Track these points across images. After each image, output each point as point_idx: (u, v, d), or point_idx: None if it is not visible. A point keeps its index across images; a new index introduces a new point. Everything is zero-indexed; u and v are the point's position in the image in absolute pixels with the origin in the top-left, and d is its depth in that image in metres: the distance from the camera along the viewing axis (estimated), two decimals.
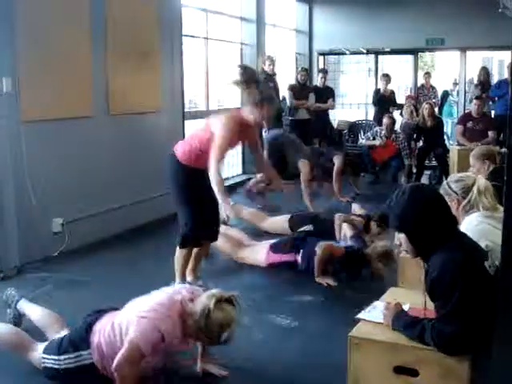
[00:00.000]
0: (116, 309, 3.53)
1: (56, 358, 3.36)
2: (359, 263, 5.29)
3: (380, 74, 13.07)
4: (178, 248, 4.89)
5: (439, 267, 2.68)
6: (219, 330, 3.15)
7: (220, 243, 5.59)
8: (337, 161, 8.61)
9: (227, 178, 10.12)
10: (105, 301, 4.53)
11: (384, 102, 11.47)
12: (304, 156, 8.22)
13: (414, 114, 10.85)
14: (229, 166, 10.44)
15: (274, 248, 5.65)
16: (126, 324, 3.24)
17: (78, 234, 6.19)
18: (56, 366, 3.36)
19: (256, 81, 4.86)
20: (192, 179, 4.74)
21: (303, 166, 8.11)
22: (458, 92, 14.37)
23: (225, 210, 4.47)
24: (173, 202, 4.93)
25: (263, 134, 8.48)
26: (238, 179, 10.12)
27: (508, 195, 1.92)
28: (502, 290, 2.03)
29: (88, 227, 6.35)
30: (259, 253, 5.70)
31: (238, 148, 10.52)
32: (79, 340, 3.38)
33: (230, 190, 9.40)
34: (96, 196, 6.51)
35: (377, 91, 11.91)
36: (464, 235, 2.93)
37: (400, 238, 2.87)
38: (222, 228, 5.31)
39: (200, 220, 4.75)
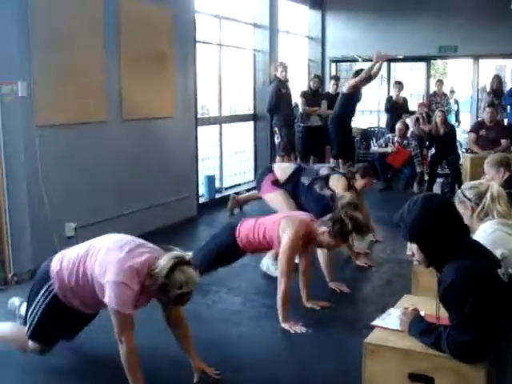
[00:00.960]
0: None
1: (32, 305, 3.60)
2: None
3: (392, 81, 13.06)
4: None
5: (452, 276, 2.67)
6: (178, 291, 3.21)
7: None
8: None
9: (239, 185, 10.15)
10: None
11: (396, 109, 11.46)
12: None
13: (421, 121, 10.84)
14: (241, 172, 10.46)
15: None
16: (92, 266, 3.41)
17: (91, 239, 6.19)
18: (34, 317, 3.57)
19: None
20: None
21: None
22: (455, 100, 14.39)
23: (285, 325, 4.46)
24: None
25: None
26: (250, 185, 10.11)
27: None
28: None
29: (101, 232, 6.28)
30: None
31: (250, 154, 10.58)
32: (42, 274, 3.64)
33: None
34: (109, 201, 6.53)
35: (389, 98, 11.90)
36: (476, 243, 2.91)
37: (412, 248, 2.85)
38: None
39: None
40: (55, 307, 3.54)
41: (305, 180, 6.06)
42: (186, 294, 3.25)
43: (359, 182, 6.34)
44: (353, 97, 9.79)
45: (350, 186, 6.18)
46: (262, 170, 6.76)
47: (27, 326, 3.63)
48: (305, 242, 4.61)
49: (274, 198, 6.17)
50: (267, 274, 5.63)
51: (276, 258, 5.58)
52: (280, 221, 4.64)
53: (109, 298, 3.26)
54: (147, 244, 3.55)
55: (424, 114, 11.19)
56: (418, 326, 2.88)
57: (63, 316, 3.58)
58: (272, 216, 4.93)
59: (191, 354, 3.65)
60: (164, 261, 3.25)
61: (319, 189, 5.93)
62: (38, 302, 3.57)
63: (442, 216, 2.78)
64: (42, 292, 3.56)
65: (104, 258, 3.38)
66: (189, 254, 3.41)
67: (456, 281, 2.65)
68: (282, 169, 6.37)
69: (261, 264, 5.79)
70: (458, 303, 2.66)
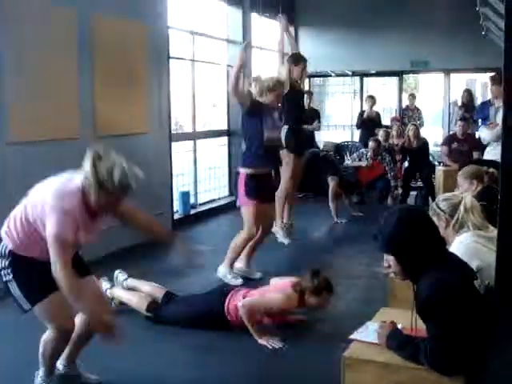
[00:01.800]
0: None
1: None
2: None
3: (365, 95, 13.17)
4: None
5: (428, 288, 2.68)
6: (109, 175, 3.29)
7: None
8: (331, 182, 8.83)
9: (213, 200, 10.12)
10: None
11: (369, 123, 11.53)
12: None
13: (394, 135, 10.95)
14: (215, 188, 10.43)
15: None
16: (32, 210, 3.34)
17: None
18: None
19: None
20: None
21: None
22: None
23: None
24: None
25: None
26: (225, 201, 10.09)
27: (502, 212, 1.92)
28: (497, 306, 2.03)
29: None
30: None
31: (225, 169, 10.56)
32: None
33: (217, 213, 9.42)
34: None
35: (361, 113, 11.97)
36: (453, 256, 2.93)
37: (389, 260, 2.86)
38: None
39: None
40: (20, 264, 3.42)
41: None
42: (123, 180, 3.35)
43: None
44: None
45: None
46: None
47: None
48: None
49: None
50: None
51: (232, 265, 5.75)
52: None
53: (49, 224, 3.19)
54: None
55: (399, 128, 11.30)
56: (396, 339, 2.88)
57: (34, 268, 3.43)
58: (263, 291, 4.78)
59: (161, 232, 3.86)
60: (85, 162, 3.33)
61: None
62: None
63: (419, 227, 2.79)
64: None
65: (39, 196, 3.38)
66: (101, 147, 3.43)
67: (432, 294, 2.66)
68: None
69: (217, 271, 5.84)
70: (435, 316, 2.67)
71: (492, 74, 7.52)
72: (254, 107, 5.84)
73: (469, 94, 11.76)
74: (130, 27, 7.18)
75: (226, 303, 4.63)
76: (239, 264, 6.03)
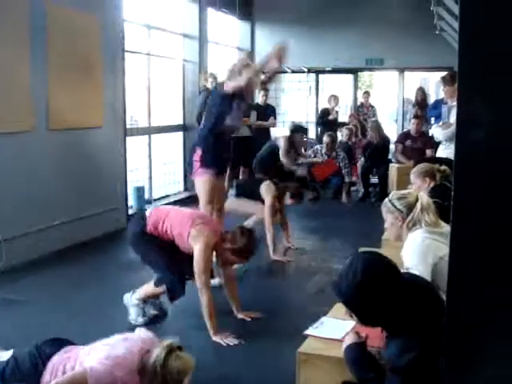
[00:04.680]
0: (72, 343, 3.29)
1: None
2: None
3: (321, 92, 13.26)
4: None
5: (395, 357, 2.54)
6: (177, 379, 3.01)
7: None
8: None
9: (168, 196, 10.06)
10: (43, 322, 4.45)
11: (331, 122, 11.61)
12: None
13: (355, 132, 11.06)
14: (170, 183, 10.38)
15: None
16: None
17: (16, 252, 6.04)
18: None
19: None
20: None
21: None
22: None
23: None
24: None
25: None
26: (179, 196, 10.05)
27: (455, 209, 1.95)
28: (449, 308, 2.06)
29: (27, 245, 6.20)
30: None
31: (180, 164, 10.52)
32: (27, 374, 3.09)
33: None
34: (35, 212, 6.36)
35: (323, 112, 11.95)
36: (412, 288, 2.69)
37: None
38: None
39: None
40: None
41: None
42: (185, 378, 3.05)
43: None
44: None
45: None
46: None
47: None
48: (215, 250, 4.63)
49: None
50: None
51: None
52: (190, 229, 4.55)
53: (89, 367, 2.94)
54: (131, 336, 3.27)
55: (358, 125, 11.43)
56: (354, 354, 2.75)
57: None
58: (183, 218, 4.69)
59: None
60: (155, 354, 3.02)
61: None
62: None
63: (384, 292, 2.55)
64: None
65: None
66: (177, 340, 3.13)
67: (399, 365, 2.51)
68: None
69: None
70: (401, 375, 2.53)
71: (444, 73, 7.61)
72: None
73: (422, 93, 11.92)
74: (84, 19, 7.08)
75: (147, 222, 4.68)
76: None
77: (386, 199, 3.65)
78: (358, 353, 2.75)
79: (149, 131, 9.57)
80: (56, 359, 3.12)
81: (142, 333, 3.33)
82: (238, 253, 4.58)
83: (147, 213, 4.79)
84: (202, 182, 5.74)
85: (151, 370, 2.99)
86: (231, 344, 4.33)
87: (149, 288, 4.78)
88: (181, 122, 10.63)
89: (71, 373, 2.97)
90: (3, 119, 5.93)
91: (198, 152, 5.71)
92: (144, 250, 4.78)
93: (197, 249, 4.47)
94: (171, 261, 4.68)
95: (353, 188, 10.89)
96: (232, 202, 6.81)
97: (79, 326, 4.47)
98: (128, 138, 8.37)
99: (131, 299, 4.79)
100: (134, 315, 4.77)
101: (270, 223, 6.57)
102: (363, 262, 2.58)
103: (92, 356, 3.04)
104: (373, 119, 11.45)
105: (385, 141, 10.72)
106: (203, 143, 5.74)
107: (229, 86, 5.65)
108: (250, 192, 6.87)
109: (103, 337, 3.21)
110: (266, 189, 6.72)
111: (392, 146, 10.96)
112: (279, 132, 12.87)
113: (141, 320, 4.72)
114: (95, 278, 5.76)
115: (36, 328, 4.36)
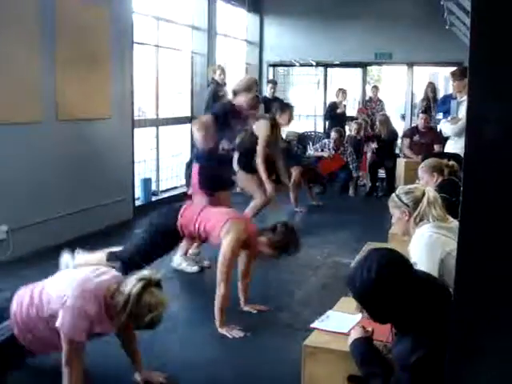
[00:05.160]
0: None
1: None
2: None
3: (329, 86, 13.22)
4: None
5: (405, 355, 2.51)
6: (147, 314, 3.09)
7: None
8: (294, 172, 8.88)
9: (175, 188, 10.07)
10: None
11: (339, 116, 11.58)
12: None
13: (364, 127, 11.02)
14: (177, 175, 10.38)
15: None
16: (48, 300, 3.21)
17: (25, 242, 6.06)
18: None
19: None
20: None
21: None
22: None
23: None
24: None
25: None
26: (186, 189, 10.03)
27: (464, 204, 1.94)
28: (456, 304, 2.05)
29: (35, 235, 6.22)
30: None
31: (187, 156, 10.51)
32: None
33: (178, 200, 9.36)
34: (43, 203, 6.39)
35: (331, 106, 11.91)
36: (425, 285, 2.66)
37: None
38: None
39: None
40: (9, 346, 3.30)
41: None
42: (157, 317, 3.12)
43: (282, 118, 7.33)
44: None
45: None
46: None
47: None
48: (244, 246, 4.60)
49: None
50: (183, 271, 5.83)
51: (186, 253, 5.79)
52: (224, 223, 4.56)
53: (61, 323, 3.10)
54: (102, 268, 3.40)
55: (368, 120, 11.41)
56: (360, 349, 2.75)
57: (15, 354, 3.37)
58: (217, 214, 4.76)
59: (137, 362, 3.60)
60: (131, 283, 3.11)
61: None
62: None
63: (398, 290, 2.54)
64: None
65: (59, 289, 3.21)
66: (158, 275, 3.23)
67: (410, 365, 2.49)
68: None
69: (171, 262, 5.83)
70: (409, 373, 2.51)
71: (453, 68, 7.58)
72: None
73: (432, 88, 11.87)
74: (94, 11, 7.08)
75: (179, 219, 4.72)
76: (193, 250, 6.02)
77: (393, 194, 3.65)
78: (364, 347, 2.75)
79: (156, 123, 9.57)
80: (21, 290, 3.36)
81: (113, 271, 3.43)
82: (273, 246, 4.55)
83: (182, 210, 4.78)
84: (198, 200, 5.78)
85: (123, 300, 3.09)
86: (237, 336, 4.34)
87: (95, 257, 4.81)
88: (189, 114, 10.62)
89: (64, 348, 3.14)
90: (12, 110, 5.94)
91: (195, 169, 5.83)
92: (149, 237, 4.80)
93: (225, 242, 4.47)
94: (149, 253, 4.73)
95: (360, 182, 10.89)
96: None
97: None
98: (136, 130, 8.38)
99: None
100: None
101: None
102: (378, 259, 2.58)
103: (59, 289, 3.19)
104: (381, 113, 11.42)
105: (393, 135, 10.71)
106: (200, 160, 5.82)
107: (239, 101, 5.70)
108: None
109: None
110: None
111: (399, 141, 10.96)
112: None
113: None
114: None
115: None
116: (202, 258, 6.03)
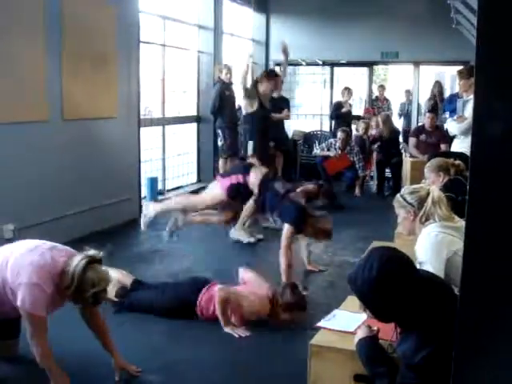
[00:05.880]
0: None
1: None
2: None
3: (335, 85, 13.21)
4: None
5: (411, 354, 2.50)
6: (90, 289, 3.28)
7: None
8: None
9: (181, 187, 10.08)
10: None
11: (345, 115, 11.57)
12: None
13: (373, 126, 11.01)
14: (184, 174, 10.40)
15: (221, 175, 6.20)
16: (3, 276, 3.35)
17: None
18: None
19: None
20: None
21: None
22: None
23: None
24: None
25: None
26: (192, 188, 10.06)
27: (470, 203, 1.94)
28: (462, 303, 2.05)
29: (40, 234, 6.16)
30: (213, 189, 5.96)
31: (193, 156, 10.54)
32: None
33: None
34: (49, 201, 6.40)
35: (336, 105, 11.90)
36: (428, 286, 2.64)
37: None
38: None
39: None
40: None
41: (279, 188, 5.82)
42: (100, 293, 3.32)
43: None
44: None
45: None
46: (238, 166, 6.68)
47: None
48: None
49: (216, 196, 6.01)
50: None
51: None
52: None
53: (21, 300, 3.26)
54: (59, 246, 3.55)
55: (378, 120, 11.40)
56: (367, 349, 2.75)
57: None
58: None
59: (112, 351, 3.68)
60: (76, 261, 3.31)
61: (294, 197, 5.84)
62: None
63: (396, 287, 2.53)
64: None
65: (15, 263, 3.36)
66: (100, 253, 3.44)
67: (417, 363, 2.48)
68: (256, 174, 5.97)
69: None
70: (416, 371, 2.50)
71: (460, 67, 7.57)
72: None
73: (439, 87, 11.86)
74: (100, 9, 7.09)
75: (200, 296, 4.59)
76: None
77: (398, 194, 3.66)
78: (369, 347, 2.75)
79: (163, 122, 9.58)
80: None
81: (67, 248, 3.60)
82: (289, 309, 4.51)
83: (204, 290, 4.65)
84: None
85: (70, 276, 3.28)
86: (242, 335, 4.34)
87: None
88: (195, 114, 10.63)
89: (28, 327, 3.32)
90: (19, 109, 5.95)
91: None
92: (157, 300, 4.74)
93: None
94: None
95: (367, 182, 10.89)
96: None
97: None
98: (142, 129, 8.39)
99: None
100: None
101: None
102: (379, 257, 2.57)
103: (13, 271, 3.33)
104: (383, 113, 11.40)
105: (394, 133, 10.70)
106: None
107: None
108: None
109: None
110: None
111: (401, 138, 10.96)
112: (293, 125, 12.90)
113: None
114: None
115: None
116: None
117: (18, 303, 3.27)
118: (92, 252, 3.40)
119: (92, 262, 3.34)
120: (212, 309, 4.53)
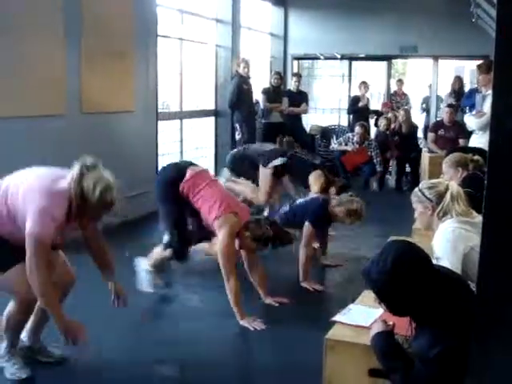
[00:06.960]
0: None
1: None
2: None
3: (354, 80, 13.16)
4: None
5: (427, 349, 2.47)
6: (94, 190, 3.27)
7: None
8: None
9: None
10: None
11: (362, 110, 11.53)
12: None
13: (392, 121, 10.95)
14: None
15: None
16: (13, 191, 3.32)
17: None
18: None
19: None
20: None
21: None
22: None
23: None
24: None
25: None
26: None
27: (488, 199, 1.93)
28: (479, 299, 2.04)
29: None
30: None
31: (211, 149, 10.55)
32: None
33: None
34: None
35: (354, 99, 11.87)
36: (446, 281, 2.62)
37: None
38: None
39: None
40: None
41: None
42: (106, 192, 3.31)
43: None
44: None
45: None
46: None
47: None
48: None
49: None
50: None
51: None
52: (219, 213, 4.61)
53: (30, 222, 3.19)
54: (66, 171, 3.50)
55: (397, 115, 11.35)
56: (382, 343, 2.72)
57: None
58: (216, 199, 4.72)
59: (111, 272, 3.78)
60: (73, 173, 3.30)
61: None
62: None
63: (410, 281, 2.51)
64: None
65: (27, 189, 3.31)
66: (97, 160, 3.46)
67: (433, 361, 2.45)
68: None
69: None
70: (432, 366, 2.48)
71: (479, 62, 7.52)
72: None
73: (459, 81, 11.77)
74: (118, 4, 7.12)
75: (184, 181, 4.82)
76: None
77: (416, 188, 3.63)
78: (385, 341, 2.73)
79: (180, 116, 9.60)
80: None
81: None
82: (257, 240, 4.62)
83: (189, 171, 4.87)
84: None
85: (72, 189, 3.27)
86: (258, 328, 4.35)
87: (157, 251, 5.04)
88: (213, 108, 10.64)
89: (29, 248, 3.19)
90: (38, 102, 6.00)
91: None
92: (165, 198, 4.99)
93: (220, 237, 4.54)
94: (181, 220, 4.96)
95: (387, 177, 10.86)
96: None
97: (93, 305, 4.52)
98: (160, 123, 8.41)
99: (142, 264, 5.07)
100: (143, 281, 5.04)
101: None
102: (394, 251, 2.56)
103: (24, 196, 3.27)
104: (404, 107, 11.35)
105: (413, 128, 10.67)
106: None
107: None
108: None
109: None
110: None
111: (419, 134, 10.90)
112: (311, 119, 12.88)
113: (148, 288, 4.99)
114: (120, 263, 5.79)
115: None
116: None
117: (27, 225, 3.20)
118: (88, 161, 3.38)
119: (87, 167, 3.33)
120: (191, 196, 4.80)
